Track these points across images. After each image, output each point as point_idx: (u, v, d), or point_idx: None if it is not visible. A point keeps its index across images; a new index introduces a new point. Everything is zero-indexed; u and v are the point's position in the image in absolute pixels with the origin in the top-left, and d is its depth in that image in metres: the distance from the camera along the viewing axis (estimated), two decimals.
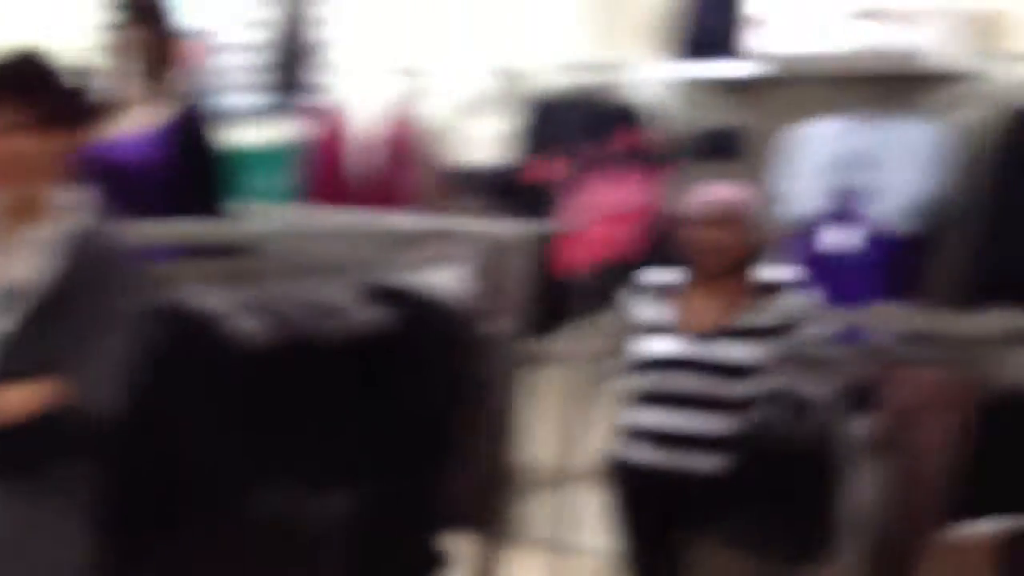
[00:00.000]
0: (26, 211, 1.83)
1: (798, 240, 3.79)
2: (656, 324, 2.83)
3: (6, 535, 1.77)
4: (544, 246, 3.44)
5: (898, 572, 2.11)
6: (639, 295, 2.93)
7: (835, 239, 3.73)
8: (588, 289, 4.08)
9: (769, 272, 2.88)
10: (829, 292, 3.45)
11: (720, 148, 4.16)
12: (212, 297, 2.21)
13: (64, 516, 1.83)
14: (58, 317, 1.80)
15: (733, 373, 2.66)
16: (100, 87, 3.26)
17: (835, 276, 3.64)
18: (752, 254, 2.85)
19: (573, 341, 4.27)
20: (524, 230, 3.06)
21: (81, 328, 1.80)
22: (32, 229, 1.83)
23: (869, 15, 3.68)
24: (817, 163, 3.80)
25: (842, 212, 3.73)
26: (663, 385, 2.74)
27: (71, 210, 1.87)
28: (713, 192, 2.86)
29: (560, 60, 4.61)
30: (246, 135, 5.18)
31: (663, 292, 2.90)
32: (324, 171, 4.99)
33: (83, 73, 2.04)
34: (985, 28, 3.80)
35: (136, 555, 1.89)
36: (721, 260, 2.79)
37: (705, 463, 2.61)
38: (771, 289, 2.82)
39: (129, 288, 1.87)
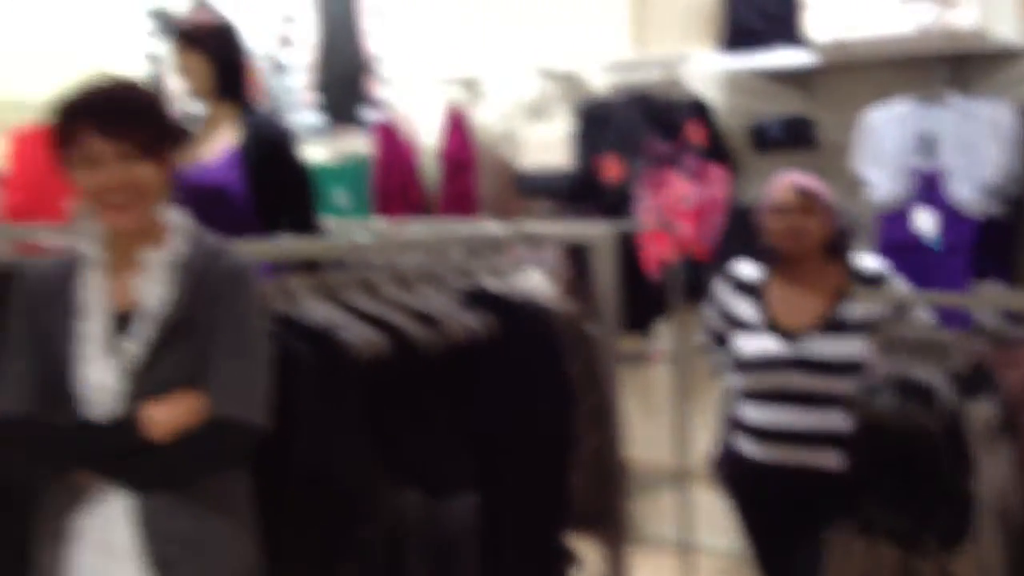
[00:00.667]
0: (143, 235, 1.88)
1: (883, 226, 3.75)
2: (752, 320, 2.81)
3: (176, 551, 1.80)
4: (625, 245, 3.44)
5: None
6: (729, 289, 2.92)
7: (918, 223, 3.69)
8: (673, 285, 4.07)
9: (859, 261, 2.86)
10: (917, 277, 3.43)
11: (795, 137, 4.12)
12: (323, 309, 2.25)
13: (231, 528, 1.86)
14: (190, 335, 1.84)
15: (838, 369, 2.62)
16: (180, 112, 3.32)
17: (922, 260, 3.62)
18: (835, 240, 2.82)
19: (668, 338, 4.27)
20: (607, 230, 3.06)
21: (219, 343, 1.83)
22: (150, 251, 1.87)
23: None
24: (891, 147, 3.76)
25: (922, 196, 3.69)
26: (769, 383, 2.71)
27: (181, 231, 1.91)
28: (790, 179, 2.85)
29: (612, 59, 4.62)
30: (313, 152, 5.26)
31: (753, 286, 2.87)
32: (393, 183, 5.03)
33: (168, 99, 2.07)
34: None
35: (280, 566, 1.92)
36: (804, 246, 2.77)
37: (823, 458, 2.60)
38: (863, 278, 2.79)
39: (259, 303, 1.90)
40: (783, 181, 2.86)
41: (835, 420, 2.56)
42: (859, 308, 2.70)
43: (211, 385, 1.82)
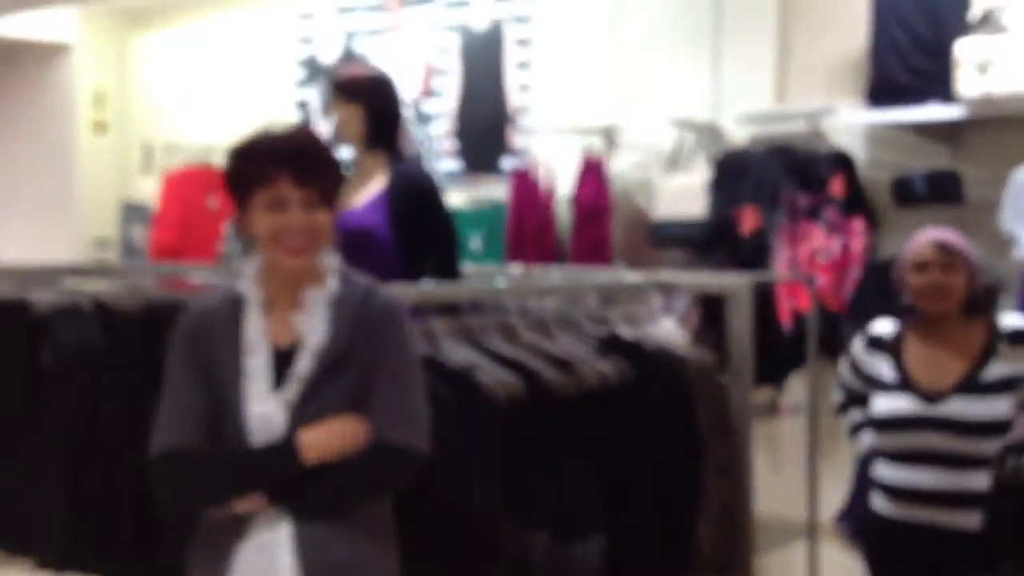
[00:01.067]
0: (305, 275, 1.98)
1: None
2: (888, 379, 2.76)
3: (342, 565, 1.87)
4: (761, 296, 3.42)
5: None
6: (865, 347, 2.88)
7: None
8: (808, 338, 4.02)
9: (1003, 319, 2.78)
10: None
11: (939, 192, 4.04)
12: (461, 351, 2.32)
13: (381, 555, 1.94)
14: (348, 369, 1.92)
15: (977, 429, 2.55)
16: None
17: None
18: (978, 298, 2.75)
19: (801, 391, 4.22)
20: (744, 280, 3.06)
21: (380, 374, 1.92)
22: (313, 290, 1.97)
23: None
24: None
25: None
26: (905, 443, 2.65)
27: (335, 272, 2.01)
28: (932, 235, 2.78)
29: (751, 110, 4.62)
30: (449, 198, 5.40)
31: (890, 343, 2.83)
32: (527, 229, 5.12)
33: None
34: None
35: None
36: (946, 304, 2.70)
37: (962, 519, 2.52)
38: (1006, 337, 2.72)
39: (412, 340, 1.99)
40: (925, 237, 2.80)
41: (972, 480, 2.50)
42: (1003, 368, 2.62)
43: (373, 413, 1.91)
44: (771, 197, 4.35)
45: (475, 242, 5.31)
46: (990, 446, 2.43)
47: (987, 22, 3.88)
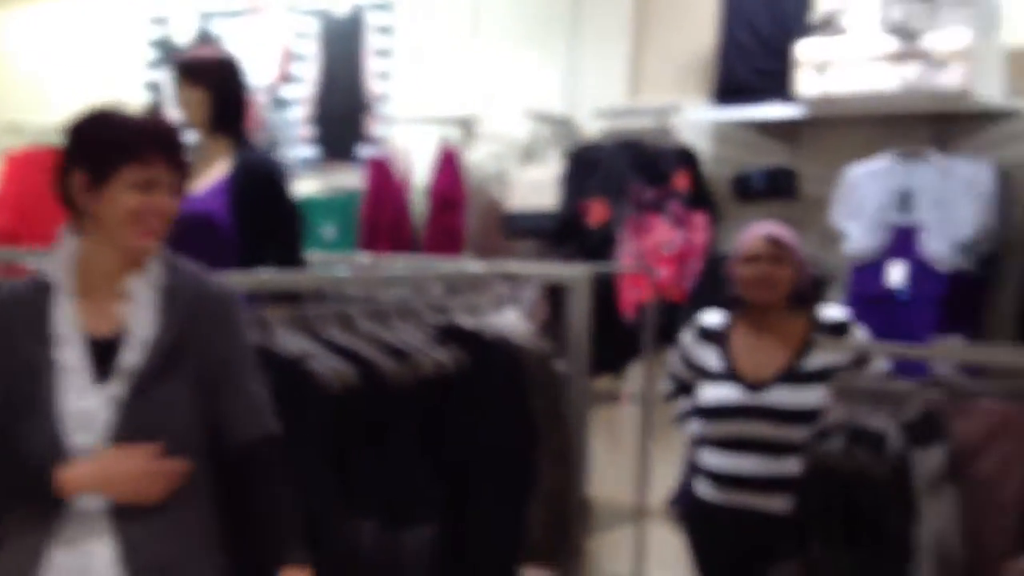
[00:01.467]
0: (127, 262, 1.89)
1: (856, 277, 3.83)
2: (714, 369, 2.86)
3: (167, 560, 1.83)
4: (604, 287, 3.51)
5: None
6: (694, 337, 2.98)
7: (890, 276, 3.77)
8: (648, 328, 4.14)
9: (824, 311, 2.91)
10: (887, 328, 3.50)
11: (776, 188, 4.21)
12: (296, 340, 2.32)
13: (209, 552, 1.90)
14: (181, 361, 1.86)
15: (796, 417, 2.67)
16: None
17: (892, 312, 3.69)
18: (803, 291, 2.87)
19: (639, 380, 4.33)
20: (584, 271, 3.14)
21: (233, 369, 1.91)
22: (137, 278, 1.88)
23: (907, 56, 3.73)
24: (870, 202, 3.84)
25: (896, 250, 3.77)
26: (728, 431, 2.77)
27: (159, 259, 1.94)
28: (764, 229, 2.90)
29: (605, 105, 4.72)
30: (304, 186, 5.35)
31: (717, 334, 2.91)
32: (382, 218, 5.11)
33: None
34: (1022, 66, 3.86)
35: None
36: (772, 295, 2.81)
37: (777, 503, 2.63)
38: (826, 328, 2.83)
39: (247, 327, 1.97)
40: (756, 231, 2.91)
41: (789, 466, 2.61)
42: (821, 358, 2.74)
43: (235, 408, 1.90)
44: (619, 190, 4.45)
45: (329, 231, 5.27)
46: (802, 433, 2.53)
47: (827, 24, 4.05)
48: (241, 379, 1.92)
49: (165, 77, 6.17)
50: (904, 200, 3.80)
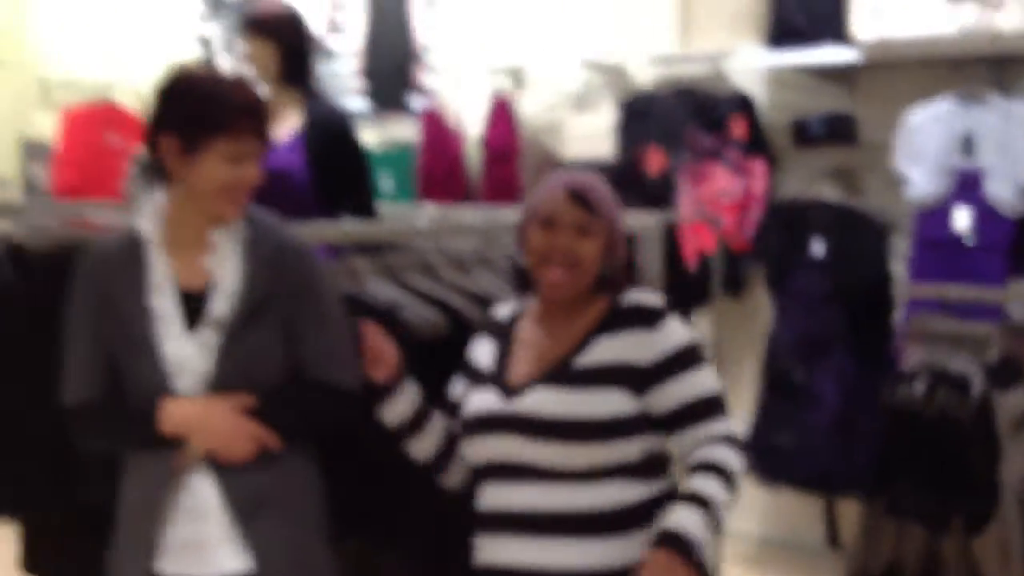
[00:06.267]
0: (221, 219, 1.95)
1: (920, 223, 3.83)
2: (484, 369, 2.08)
3: (256, 507, 1.91)
4: (666, 236, 3.54)
5: None
6: (482, 330, 2.19)
7: (955, 221, 3.77)
8: (712, 276, 4.17)
9: (634, 296, 2.01)
10: (953, 273, 3.51)
11: (835, 133, 4.20)
12: (385, 289, 2.37)
13: (307, 486, 2.00)
14: (267, 310, 1.93)
15: (561, 432, 1.89)
16: None
17: (957, 258, 3.69)
18: (614, 272, 2.03)
19: (706, 328, 4.34)
20: (652, 220, 3.16)
21: (307, 316, 1.95)
22: (222, 232, 1.94)
23: None
24: (931, 146, 3.84)
25: (960, 194, 3.77)
26: (487, 452, 1.99)
27: (247, 215, 2.00)
28: (567, 180, 2.02)
29: (657, 53, 4.72)
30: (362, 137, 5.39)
31: (505, 325, 2.13)
32: (437, 169, 5.15)
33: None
34: None
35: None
36: (570, 280, 1.97)
37: (555, 555, 1.88)
38: (632, 316, 1.97)
39: (330, 280, 2.03)
40: (556, 182, 2.04)
41: (569, 500, 1.88)
42: (602, 352, 1.94)
43: (304, 355, 1.95)
44: (675, 139, 4.45)
45: (386, 182, 5.31)
46: (588, 455, 1.87)
47: None
48: (320, 328, 1.96)
49: (216, 30, 6.21)
50: (966, 144, 3.79)
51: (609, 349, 1.92)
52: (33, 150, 6.72)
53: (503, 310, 2.17)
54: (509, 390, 1.97)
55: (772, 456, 3.71)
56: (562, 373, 1.92)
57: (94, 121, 5.76)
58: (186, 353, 1.89)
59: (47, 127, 6.45)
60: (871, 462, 2.45)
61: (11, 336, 2.76)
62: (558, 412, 1.88)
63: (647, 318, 1.93)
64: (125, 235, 1.97)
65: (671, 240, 3.97)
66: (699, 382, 1.90)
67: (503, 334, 2.09)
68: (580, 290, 1.98)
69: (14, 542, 2.60)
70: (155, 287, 1.92)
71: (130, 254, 1.94)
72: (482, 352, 2.10)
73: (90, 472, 2.33)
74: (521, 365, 2.00)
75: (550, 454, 1.87)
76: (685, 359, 1.90)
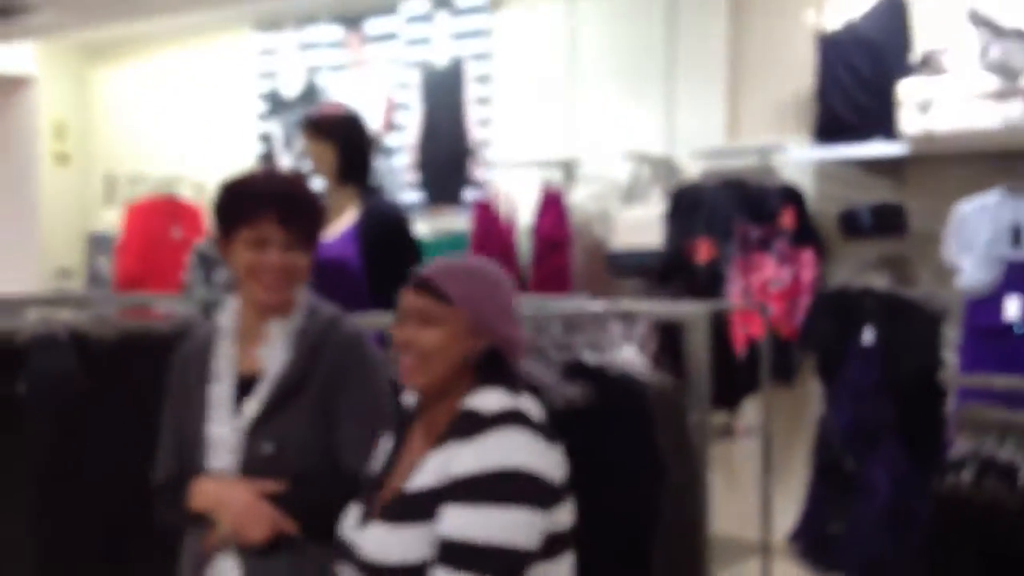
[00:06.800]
0: (279, 308, 2.06)
1: (971, 312, 3.83)
2: (372, 471, 1.86)
3: None
4: (715, 324, 3.57)
5: None
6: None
7: (1007, 310, 3.76)
8: (761, 363, 4.17)
9: (476, 398, 1.68)
10: (1004, 362, 3.49)
11: (884, 224, 4.22)
12: None
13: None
14: (302, 395, 2.00)
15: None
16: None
17: (1009, 346, 3.67)
18: (481, 365, 1.73)
19: (755, 414, 4.35)
20: (703, 309, 3.20)
21: (346, 406, 2.00)
22: (278, 322, 2.05)
23: (1008, 93, 3.76)
24: (981, 236, 3.85)
25: (1011, 283, 3.76)
26: None
27: (303, 304, 2.09)
28: (424, 269, 1.79)
29: (705, 145, 4.80)
30: (416, 228, 5.51)
31: (402, 423, 1.88)
32: (490, 257, 5.23)
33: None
34: None
35: None
36: (417, 377, 1.72)
37: None
38: (457, 424, 1.67)
39: (378, 369, 2.08)
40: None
41: None
42: (430, 475, 1.63)
43: (344, 444, 1.99)
44: (724, 229, 4.51)
45: None
46: None
47: (928, 64, 4.09)
48: (358, 419, 2.00)
49: (276, 128, 6.43)
50: (1016, 234, 3.80)
51: (433, 469, 1.60)
52: (97, 242, 6.97)
53: (409, 398, 1.88)
54: (366, 515, 1.74)
55: (824, 544, 3.67)
56: (396, 504, 1.64)
57: (156, 214, 5.97)
58: (223, 434, 2.00)
59: (111, 221, 6.68)
60: (922, 551, 2.42)
61: (71, 422, 2.87)
62: (382, 557, 1.59)
63: (466, 427, 1.60)
64: (210, 327, 2.15)
65: (719, 329, 4.01)
66: (464, 523, 1.50)
67: (400, 429, 1.85)
68: (437, 385, 1.70)
69: None
70: (217, 374, 2.06)
71: (207, 344, 2.10)
72: (383, 447, 1.86)
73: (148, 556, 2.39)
74: (394, 478, 1.75)
75: None
76: (472, 487, 1.51)
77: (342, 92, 6.13)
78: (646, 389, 2.70)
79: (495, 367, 1.72)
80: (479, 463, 1.53)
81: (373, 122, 5.94)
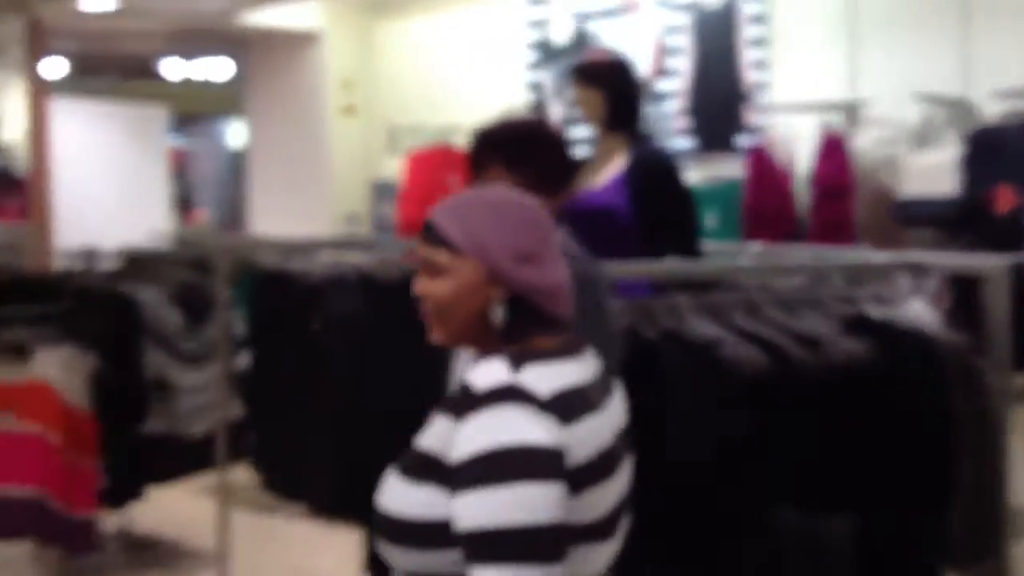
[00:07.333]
0: None
1: None
2: None
3: None
4: (1016, 279, 3.28)
5: None
6: None
7: None
8: None
9: (481, 372, 1.49)
10: None
11: None
12: (706, 326, 2.34)
13: None
14: None
15: (402, 535, 1.49)
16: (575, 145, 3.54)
17: None
18: (502, 321, 1.51)
19: None
20: (1003, 262, 2.93)
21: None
22: None
23: None
24: None
25: None
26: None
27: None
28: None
29: (1004, 85, 4.41)
30: (687, 176, 5.41)
31: None
32: (765, 208, 5.06)
33: (565, 138, 2.22)
34: None
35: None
36: (441, 328, 1.54)
37: None
38: (458, 395, 1.51)
39: (612, 317, 2.04)
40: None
41: None
42: (435, 438, 1.48)
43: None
44: None
45: (710, 219, 5.29)
46: (406, 561, 1.47)
47: None
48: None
49: (546, 77, 6.47)
50: None
51: (436, 432, 1.47)
52: (382, 190, 7.33)
53: None
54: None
55: None
56: (406, 455, 1.51)
57: (435, 163, 6.18)
58: None
59: (394, 169, 6.98)
60: None
61: (361, 358, 3.03)
62: (386, 508, 1.48)
63: (459, 403, 1.45)
64: None
65: (1021, 284, 3.69)
66: (472, 512, 1.36)
67: None
68: (459, 339, 1.53)
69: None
70: None
71: None
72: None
73: None
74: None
75: (401, 560, 1.48)
76: (468, 473, 1.37)
77: (612, 38, 6.06)
78: (938, 346, 2.50)
79: (526, 320, 1.49)
80: (470, 446, 1.38)
81: (643, 68, 5.84)
